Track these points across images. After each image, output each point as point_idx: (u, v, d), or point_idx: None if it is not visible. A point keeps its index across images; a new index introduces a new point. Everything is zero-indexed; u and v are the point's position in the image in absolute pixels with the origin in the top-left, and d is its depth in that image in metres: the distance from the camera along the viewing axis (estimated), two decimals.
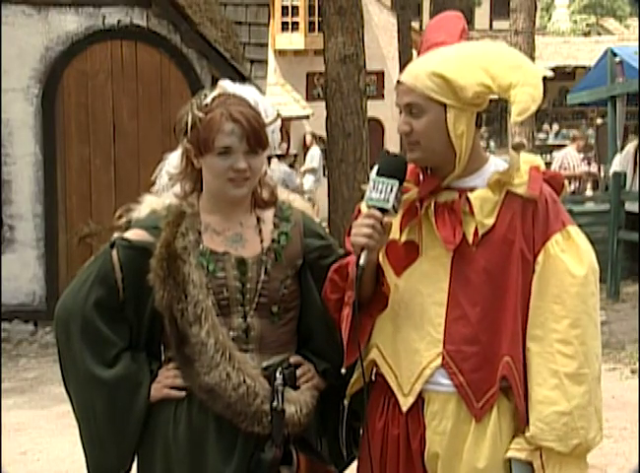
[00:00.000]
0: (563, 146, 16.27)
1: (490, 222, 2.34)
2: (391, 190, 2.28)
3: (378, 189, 2.28)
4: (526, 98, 2.28)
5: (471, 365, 2.33)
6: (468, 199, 2.35)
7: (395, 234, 2.42)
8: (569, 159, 13.74)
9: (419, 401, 2.38)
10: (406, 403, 2.39)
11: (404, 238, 2.42)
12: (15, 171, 8.91)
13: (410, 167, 2.40)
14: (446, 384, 2.35)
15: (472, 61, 2.31)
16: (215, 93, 2.50)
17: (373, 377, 2.49)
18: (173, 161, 2.58)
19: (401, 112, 2.40)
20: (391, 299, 2.41)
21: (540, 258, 2.35)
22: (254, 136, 2.41)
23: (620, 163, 11.43)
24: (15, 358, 8.25)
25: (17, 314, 8.84)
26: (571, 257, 2.34)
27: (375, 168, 2.32)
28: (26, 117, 8.89)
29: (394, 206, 2.29)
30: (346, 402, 2.50)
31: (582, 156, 13.88)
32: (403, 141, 2.41)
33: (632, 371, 7.16)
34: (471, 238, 2.34)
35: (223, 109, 2.41)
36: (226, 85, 2.55)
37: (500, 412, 2.34)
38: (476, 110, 2.35)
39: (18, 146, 8.90)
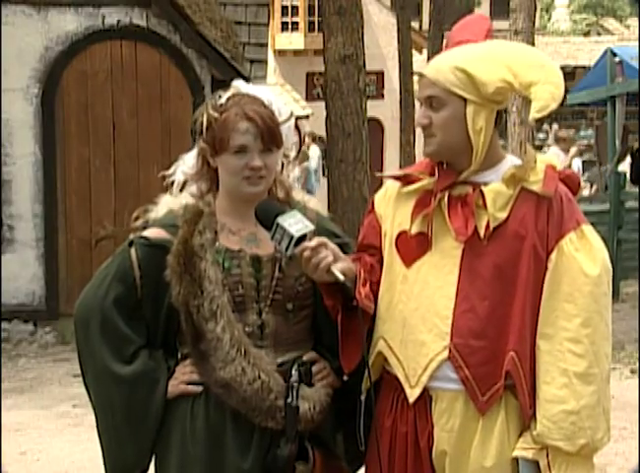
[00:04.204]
0: None
1: (503, 215, 2.34)
2: (297, 219, 2.37)
3: (292, 224, 2.34)
4: (546, 95, 2.30)
5: (477, 359, 2.33)
6: (481, 192, 2.35)
7: (405, 225, 2.44)
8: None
9: (427, 398, 2.38)
10: (412, 394, 2.39)
11: (414, 230, 2.42)
12: (15, 171, 8.90)
13: (424, 160, 2.46)
14: (454, 381, 2.35)
15: (495, 58, 2.34)
16: (229, 93, 2.54)
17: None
18: (189, 161, 2.60)
19: (421, 105, 2.41)
20: (400, 290, 2.43)
21: (553, 256, 2.35)
22: (268, 134, 2.46)
23: None
24: (15, 358, 8.25)
25: (16, 314, 8.83)
26: (585, 256, 2.34)
27: (273, 217, 2.36)
28: (26, 117, 8.88)
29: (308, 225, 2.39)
30: (362, 397, 2.50)
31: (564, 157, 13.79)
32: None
33: (632, 371, 7.16)
34: (482, 232, 2.34)
35: (237, 109, 2.46)
36: (240, 85, 2.57)
37: (508, 410, 2.34)
38: (496, 108, 2.36)
39: (18, 146, 8.89)
